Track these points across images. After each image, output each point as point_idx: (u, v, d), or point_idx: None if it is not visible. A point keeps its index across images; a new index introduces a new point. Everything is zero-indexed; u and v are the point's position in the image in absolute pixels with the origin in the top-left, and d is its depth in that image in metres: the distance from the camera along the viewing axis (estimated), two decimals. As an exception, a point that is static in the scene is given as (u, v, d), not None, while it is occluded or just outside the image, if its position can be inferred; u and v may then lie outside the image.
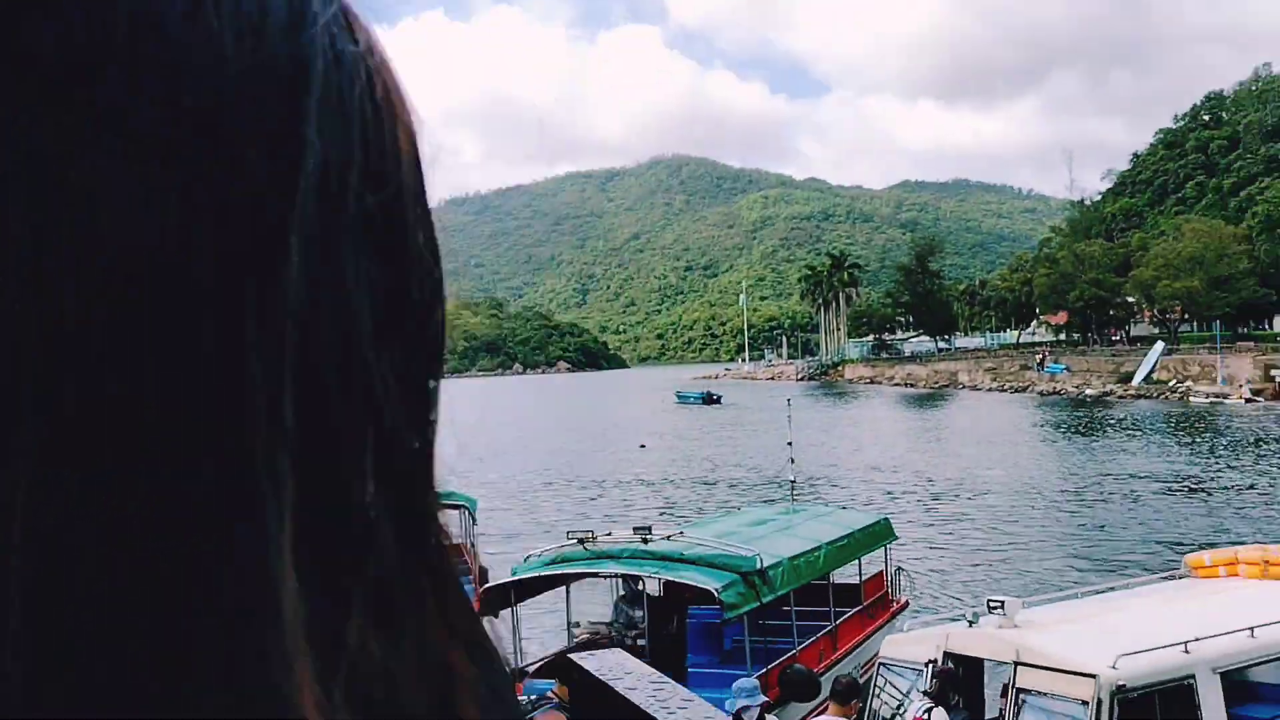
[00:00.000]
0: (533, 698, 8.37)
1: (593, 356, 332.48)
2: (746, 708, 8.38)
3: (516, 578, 12.16)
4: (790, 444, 17.09)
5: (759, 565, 11.46)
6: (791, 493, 17.55)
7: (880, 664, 10.25)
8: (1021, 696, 8.47)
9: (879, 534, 15.69)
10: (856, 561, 14.97)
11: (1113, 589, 12.09)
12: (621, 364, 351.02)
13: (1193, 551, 12.95)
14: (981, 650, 9.30)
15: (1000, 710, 8.87)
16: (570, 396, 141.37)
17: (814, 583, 13.83)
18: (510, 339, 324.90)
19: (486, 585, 12.53)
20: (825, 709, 9.32)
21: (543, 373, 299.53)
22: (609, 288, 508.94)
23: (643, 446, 58.82)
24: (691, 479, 42.49)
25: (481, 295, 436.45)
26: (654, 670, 1.64)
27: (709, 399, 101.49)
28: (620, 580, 13.08)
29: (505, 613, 12.17)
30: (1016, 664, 8.57)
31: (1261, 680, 10.30)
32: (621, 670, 1.53)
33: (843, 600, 14.80)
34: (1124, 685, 7.89)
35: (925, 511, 31.46)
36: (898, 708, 9.78)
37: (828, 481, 38.80)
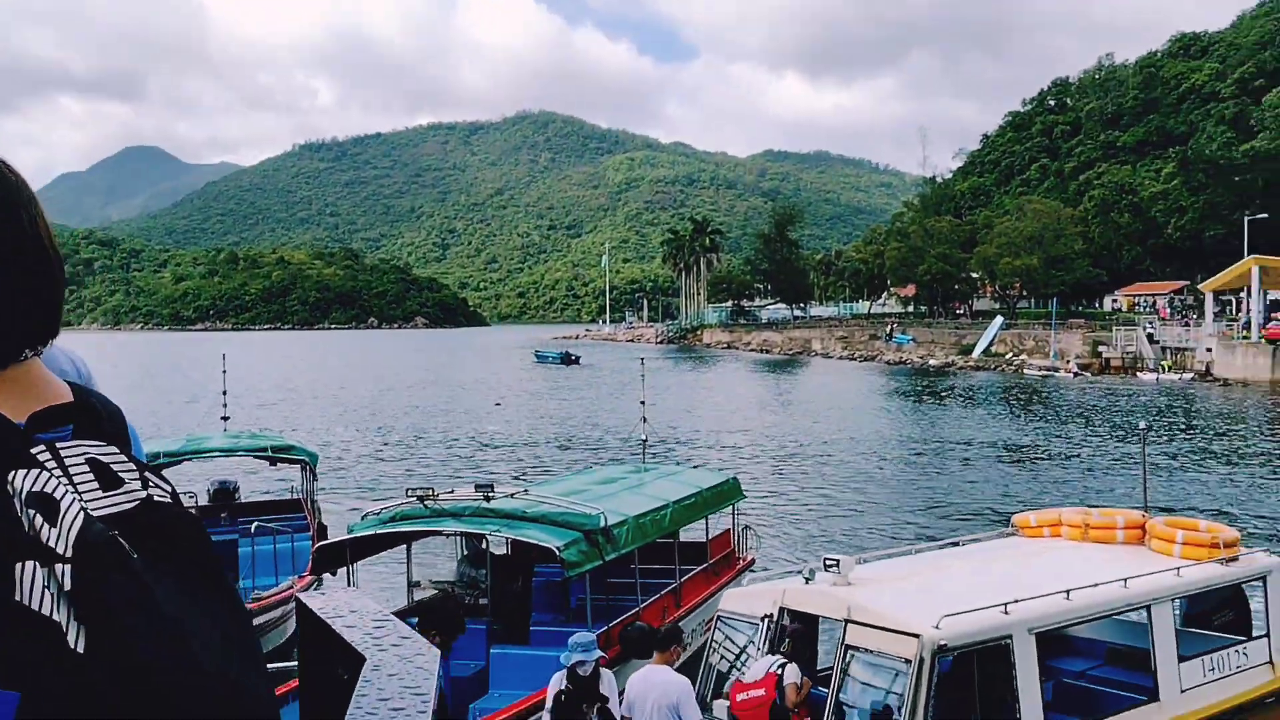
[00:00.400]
0: None
1: (451, 313, 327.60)
2: (581, 663, 8.48)
3: (353, 535, 11.86)
4: (643, 403, 17.16)
5: (602, 524, 11.46)
6: (643, 452, 17.66)
7: (718, 618, 10.34)
8: (850, 653, 8.70)
9: (727, 493, 15.75)
10: (703, 520, 15.10)
11: (950, 544, 12.47)
12: (481, 321, 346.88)
13: (1021, 512, 13.40)
14: (815, 606, 9.44)
15: (832, 666, 9.03)
16: (427, 353, 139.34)
17: (660, 541, 13.90)
18: (366, 292, 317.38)
19: (321, 543, 12.40)
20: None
21: (399, 328, 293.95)
22: (470, 243, 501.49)
23: (498, 404, 58.72)
24: (545, 439, 42.57)
25: (336, 245, 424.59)
26: (382, 610, 1.55)
27: (567, 359, 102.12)
28: (463, 539, 13.12)
29: (341, 571, 12.08)
30: (847, 622, 8.79)
31: (1078, 635, 11.07)
32: (347, 609, 1.51)
33: (689, 558, 14.92)
34: (945, 645, 8.17)
35: (774, 472, 32.27)
36: (735, 660, 9.95)
37: (680, 442, 39.49)
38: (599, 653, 8.65)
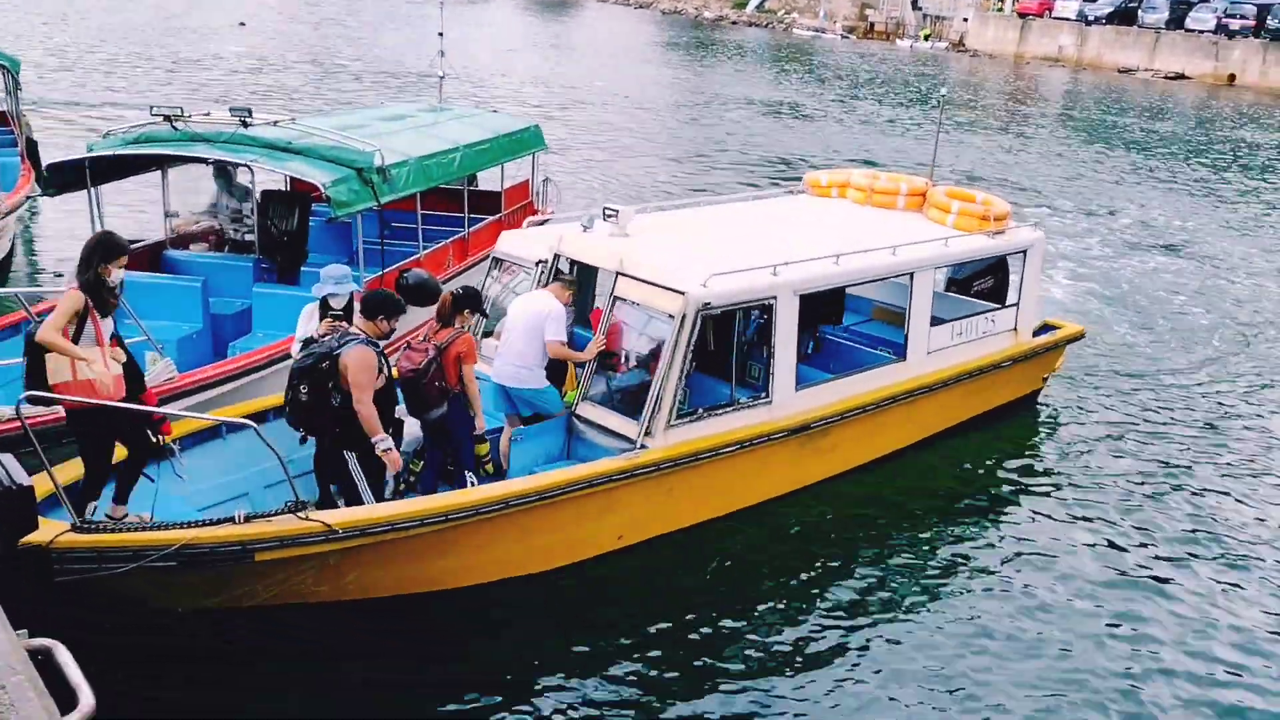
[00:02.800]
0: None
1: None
2: (335, 295, 8.16)
3: (93, 154, 10.60)
4: (441, 35, 15.79)
5: (377, 162, 10.78)
6: (439, 91, 16.46)
7: (494, 259, 10.17)
8: (619, 304, 8.89)
9: (526, 141, 15.04)
10: (499, 168, 14.54)
11: (738, 199, 12.58)
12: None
13: (812, 171, 13.57)
14: (589, 256, 9.43)
15: (602, 313, 9.11)
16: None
17: (450, 187, 13.41)
18: None
19: (57, 161, 10.91)
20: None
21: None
22: None
23: (242, 24, 52.12)
24: (316, 68, 38.56)
25: None
26: None
27: None
28: (228, 168, 11.98)
29: (80, 194, 10.92)
30: (618, 274, 8.90)
31: (853, 293, 11.62)
32: None
33: (482, 208, 14.46)
34: (709, 303, 8.48)
35: (567, 124, 30.96)
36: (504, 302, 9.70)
37: (469, 84, 37.12)
38: (353, 286, 8.33)
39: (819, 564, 8.95)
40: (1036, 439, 11.96)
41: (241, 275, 11.46)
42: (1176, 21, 61.01)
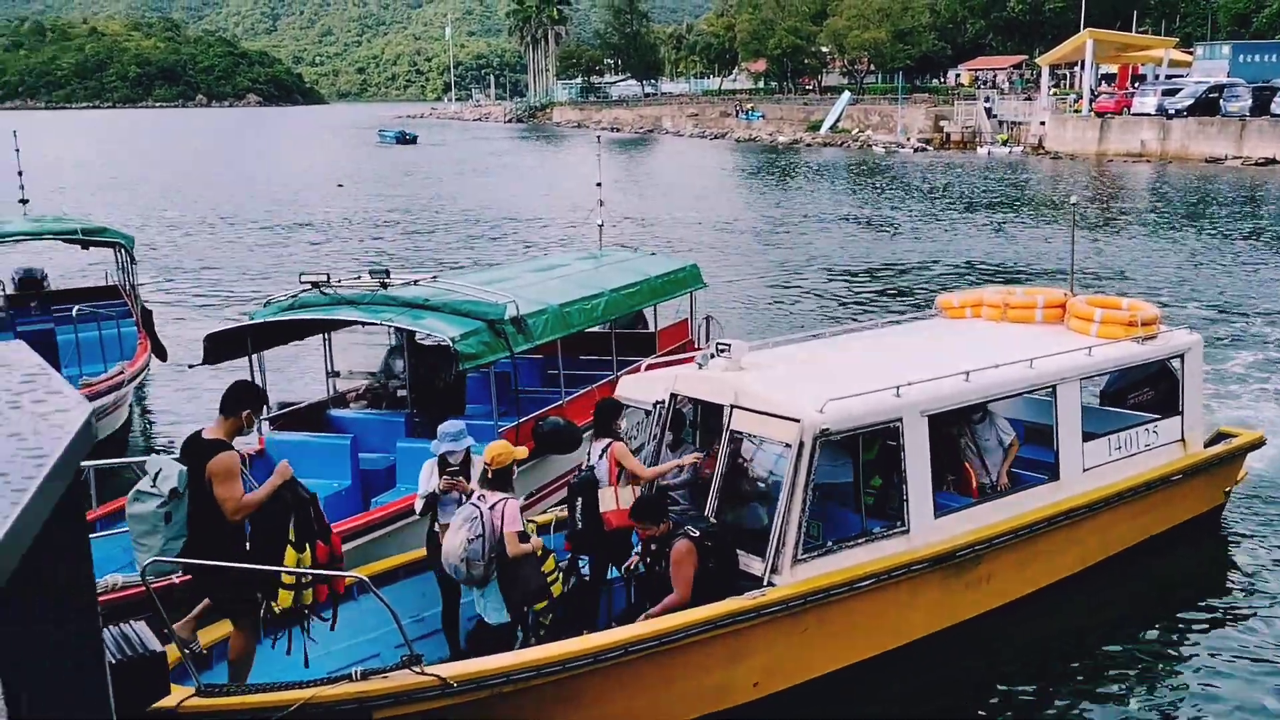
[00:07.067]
0: None
1: (286, 89, 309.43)
2: (452, 451, 8.39)
3: (253, 322, 11.21)
4: (599, 185, 16.00)
5: (511, 313, 10.88)
6: (600, 238, 16.54)
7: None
8: (736, 438, 8.70)
9: (681, 281, 14.97)
10: (653, 310, 14.56)
11: (864, 328, 12.35)
12: (319, 99, 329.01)
13: (943, 293, 13.29)
14: (703, 392, 9.30)
15: (719, 450, 8.89)
16: (258, 131, 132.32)
17: (596, 332, 13.37)
18: (191, 66, 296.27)
19: (214, 331, 11.63)
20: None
21: (230, 105, 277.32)
22: (302, 14, 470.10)
23: (340, 186, 56.07)
24: (441, 228, 40.92)
25: (154, 15, 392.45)
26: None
27: (403, 138, 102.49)
28: (394, 331, 12.34)
29: (242, 361, 11.39)
30: (733, 407, 8.72)
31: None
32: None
33: (633, 349, 14.35)
34: (828, 429, 8.16)
35: (715, 258, 30.88)
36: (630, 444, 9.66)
37: (632, 225, 38.60)
38: (469, 440, 8.49)
39: (982, 713, 8.30)
40: (1224, 561, 10.91)
41: (393, 430, 11.74)
42: (1260, 108, 59.60)
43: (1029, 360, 9.69)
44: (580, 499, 8.68)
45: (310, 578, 7.25)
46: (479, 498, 7.83)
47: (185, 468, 7.15)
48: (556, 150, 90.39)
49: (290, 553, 7.13)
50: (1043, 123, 70.12)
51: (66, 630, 0.94)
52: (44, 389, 1.10)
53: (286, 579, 7.14)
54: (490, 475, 7.93)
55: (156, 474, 7.14)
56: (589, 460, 9.06)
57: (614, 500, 8.54)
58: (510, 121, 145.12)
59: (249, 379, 8.65)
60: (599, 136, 20.97)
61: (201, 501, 7.10)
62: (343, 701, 6.62)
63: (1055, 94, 75.12)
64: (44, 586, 0.81)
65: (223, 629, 7.55)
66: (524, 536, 7.68)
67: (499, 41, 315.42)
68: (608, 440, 8.92)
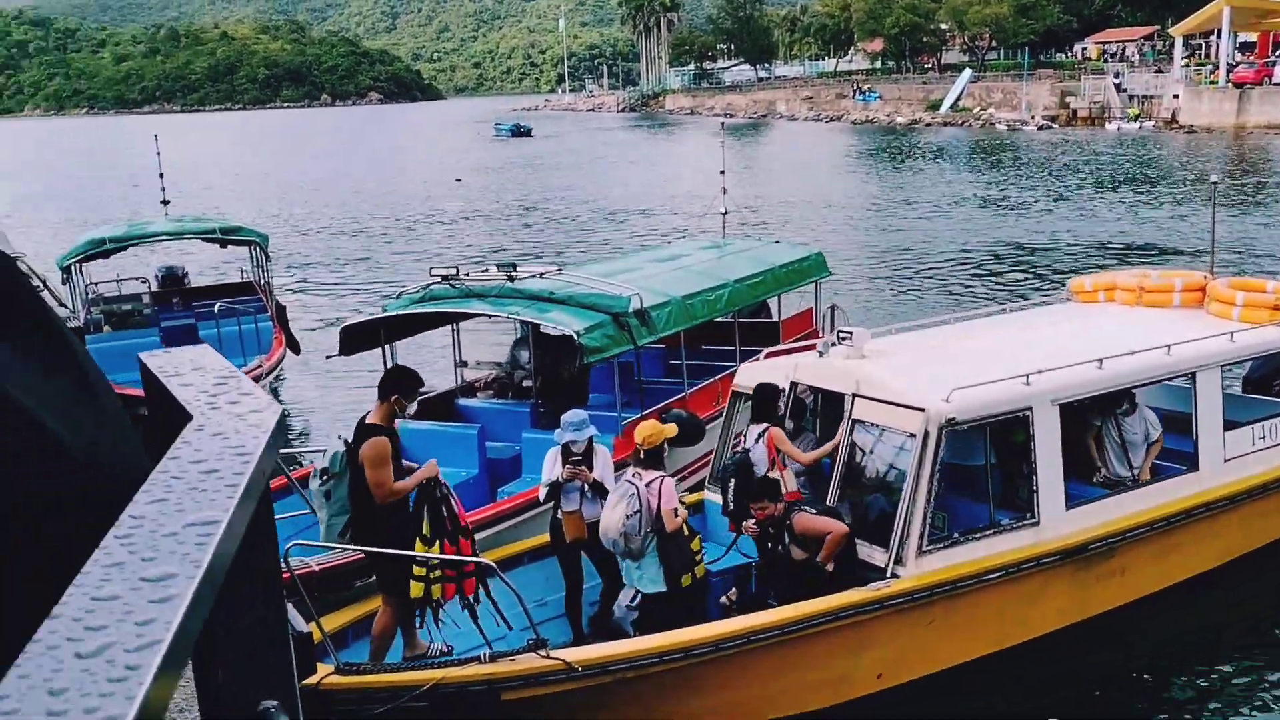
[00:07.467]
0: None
1: (406, 86, 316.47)
2: (575, 441, 8.53)
3: (386, 314, 11.59)
4: (723, 173, 15.92)
5: (634, 306, 10.98)
6: (723, 227, 16.51)
7: (733, 392, 10.14)
8: (857, 427, 8.60)
9: (805, 270, 14.82)
10: (777, 299, 14.56)
11: (1001, 311, 12.10)
12: (437, 94, 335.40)
13: (1076, 277, 12.89)
14: (824, 380, 9.20)
15: (840, 439, 8.79)
16: (380, 128, 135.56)
17: (719, 321, 13.32)
18: (316, 67, 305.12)
19: (350, 323, 12.01)
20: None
21: (353, 104, 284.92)
22: (420, 11, 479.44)
23: (458, 180, 57.02)
24: (568, 219, 41.45)
25: (280, 18, 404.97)
26: (230, 367, 1.42)
27: (518, 131, 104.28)
28: (518, 322, 12.54)
29: (376, 352, 11.74)
30: (855, 395, 8.63)
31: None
32: (189, 366, 1.40)
33: (756, 340, 14.06)
34: (954, 419, 8.00)
35: (840, 244, 30.46)
36: (747, 435, 9.60)
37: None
38: (592, 429, 8.62)
39: (1112, 709, 8.09)
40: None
41: (519, 420, 11.97)
42: None
43: (1166, 346, 9.37)
44: (733, 480, 8.80)
45: (439, 572, 7.50)
46: (634, 475, 8.11)
47: (341, 449, 7.69)
48: (670, 138, 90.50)
49: (419, 546, 7.37)
50: (1176, 95, 67.48)
51: (258, 608, 1.02)
52: (236, 390, 1.17)
53: (417, 570, 7.39)
54: (643, 455, 8.28)
55: (330, 455, 7.75)
56: (744, 443, 9.19)
57: (782, 483, 8.58)
58: (623, 111, 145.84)
59: (400, 365, 8.93)
60: (723, 124, 20.87)
61: (358, 482, 7.50)
62: (473, 682, 6.80)
63: (1189, 65, 72.10)
64: (242, 569, 0.89)
65: (354, 612, 7.88)
66: (677, 513, 8.02)
67: (611, 31, 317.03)
68: (765, 425, 9.02)
